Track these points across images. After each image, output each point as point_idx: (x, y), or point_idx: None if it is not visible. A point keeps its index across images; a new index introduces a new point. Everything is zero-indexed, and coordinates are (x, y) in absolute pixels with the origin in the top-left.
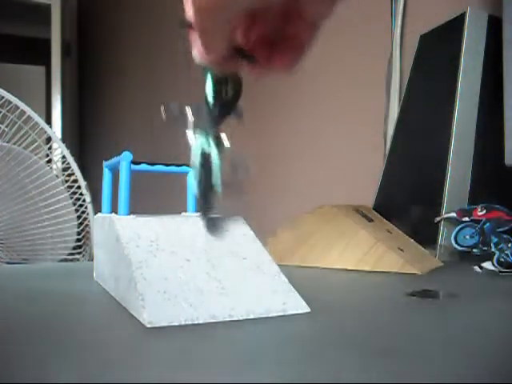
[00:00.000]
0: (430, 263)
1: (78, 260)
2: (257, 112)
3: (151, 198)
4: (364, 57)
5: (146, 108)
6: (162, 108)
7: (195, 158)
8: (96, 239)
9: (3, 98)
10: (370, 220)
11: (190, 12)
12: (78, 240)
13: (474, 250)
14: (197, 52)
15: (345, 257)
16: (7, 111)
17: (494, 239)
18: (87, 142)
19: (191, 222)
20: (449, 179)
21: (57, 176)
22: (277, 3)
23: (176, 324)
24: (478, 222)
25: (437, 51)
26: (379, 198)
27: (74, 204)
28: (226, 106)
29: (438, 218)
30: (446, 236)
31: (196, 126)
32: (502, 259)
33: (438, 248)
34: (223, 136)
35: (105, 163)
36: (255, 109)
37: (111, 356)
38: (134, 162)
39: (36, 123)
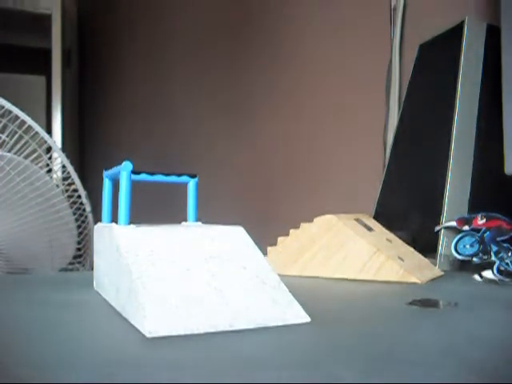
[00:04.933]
0: (430, 272)
1: (78, 269)
2: (254, 121)
3: (151, 207)
4: (364, 66)
5: (146, 117)
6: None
7: None
8: (96, 248)
9: (4, 107)
10: (370, 229)
11: None
12: (78, 249)
13: (474, 259)
14: None
15: (345, 266)
16: (8, 121)
17: (494, 248)
18: (87, 151)
19: (191, 232)
20: (449, 188)
21: (57, 185)
22: None
23: (176, 334)
24: (478, 230)
25: (436, 60)
26: (379, 207)
27: (74, 213)
28: None
29: (437, 227)
30: (446, 245)
31: None
32: (503, 268)
33: (438, 257)
34: None
35: (105, 173)
36: (253, 118)
37: (111, 366)
38: (134, 172)
39: (36, 133)
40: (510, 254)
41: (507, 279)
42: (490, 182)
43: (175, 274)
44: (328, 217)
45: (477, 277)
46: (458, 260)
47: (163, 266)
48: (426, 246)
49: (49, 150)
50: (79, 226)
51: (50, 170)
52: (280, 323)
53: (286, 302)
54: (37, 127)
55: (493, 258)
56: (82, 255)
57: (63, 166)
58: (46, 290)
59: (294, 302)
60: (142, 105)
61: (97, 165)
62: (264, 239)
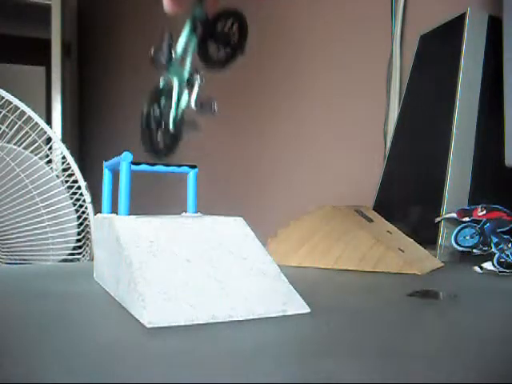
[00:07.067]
0: (430, 263)
1: (78, 260)
2: (256, 112)
3: (151, 198)
4: (364, 57)
5: None
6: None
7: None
8: (96, 239)
9: (3, 98)
10: (370, 220)
11: None
12: (78, 240)
13: (475, 251)
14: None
15: (345, 257)
16: (7, 112)
17: (495, 239)
18: (87, 142)
19: (192, 222)
20: (449, 179)
21: (57, 176)
22: None
23: (176, 324)
24: (478, 222)
25: (437, 51)
26: (379, 199)
27: (74, 204)
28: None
29: (438, 219)
30: (446, 236)
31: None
32: (503, 259)
33: (438, 248)
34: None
35: (105, 163)
36: (254, 109)
37: (111, 356)
38: (134, 163)
39: (36, 124)
40: (510, 245)
41: (507, 271)
42: (490, 173)
43: (175, 264)
44: (328, 208)
45: (477, 268)
46: (458, 251)
47: (163, 256)
48: (426, 237)
49: (49, 140)
50: (79, 217)
51: (49, 161)
52: (280, 314)
53: (286, 292)
54: (36, 118)
55: (493, 249)
56: (82, 246)
57: (63, 157)
58: (46, 280)
59: (294, 293)
60: (142, 95)
61: (97, 155)
62: (264, 230)
